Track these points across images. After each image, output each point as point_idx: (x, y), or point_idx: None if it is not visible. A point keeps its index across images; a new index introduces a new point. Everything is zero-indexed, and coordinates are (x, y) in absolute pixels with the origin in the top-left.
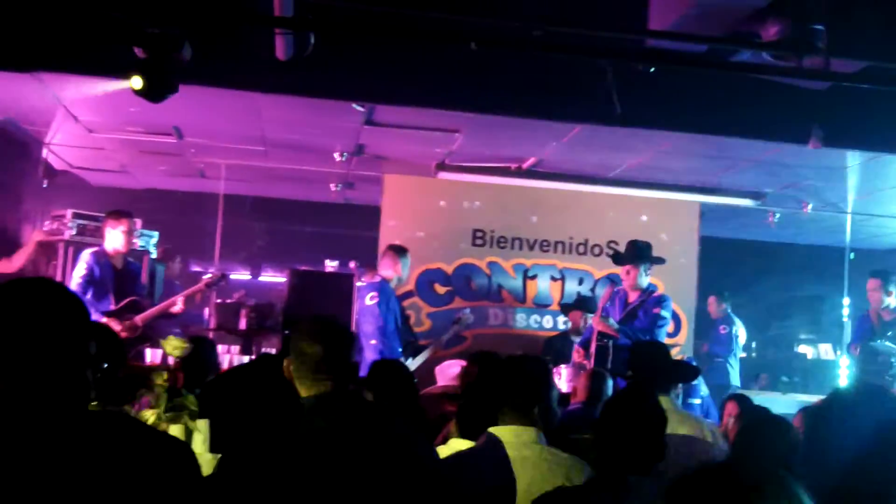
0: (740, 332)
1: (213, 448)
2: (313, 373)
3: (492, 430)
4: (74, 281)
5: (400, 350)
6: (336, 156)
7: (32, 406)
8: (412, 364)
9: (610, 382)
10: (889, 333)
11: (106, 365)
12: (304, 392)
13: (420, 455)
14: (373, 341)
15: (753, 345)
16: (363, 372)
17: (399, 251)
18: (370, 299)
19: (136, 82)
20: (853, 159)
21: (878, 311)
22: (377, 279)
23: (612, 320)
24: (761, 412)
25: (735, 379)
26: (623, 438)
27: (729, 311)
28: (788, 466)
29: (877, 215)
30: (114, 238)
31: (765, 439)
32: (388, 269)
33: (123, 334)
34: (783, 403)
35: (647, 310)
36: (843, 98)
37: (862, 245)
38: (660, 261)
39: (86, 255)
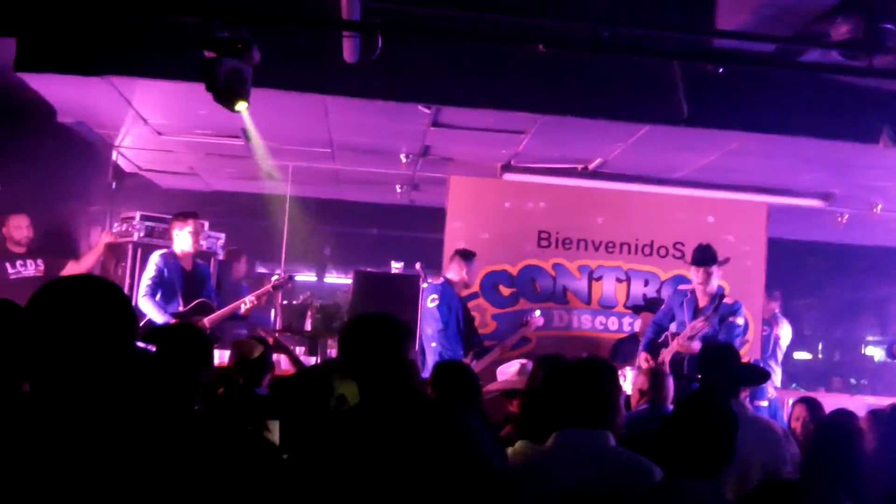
0: (783, 333)
1: (282, 448)
2: (367, 372)
3: (560, 431)
4: (144, 283)
5: (462, 352)
6: (402, 157)
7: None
8: (476, 366)
9: (671, 382)
10: None
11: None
12: (361, 392)
13: (486, 456)
14: (433, 344)
15: (820, 346)
16: (426, 374)
17: (465, 255)
18: (431, 301)
19: (241, 105)
20: None
21: None
22: (440, 281)
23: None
24: (834, 418)
25: (776, 381)
26: (693, 441)
27: (777, 311)
28: (859, 472)
29: None
30: (182, 240)
31: (838, 447)
32: (453, 273)
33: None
34: (851, 406)
35: (722, 317)
36: None
37: None
38: (726, 262)
39: (155, 258)
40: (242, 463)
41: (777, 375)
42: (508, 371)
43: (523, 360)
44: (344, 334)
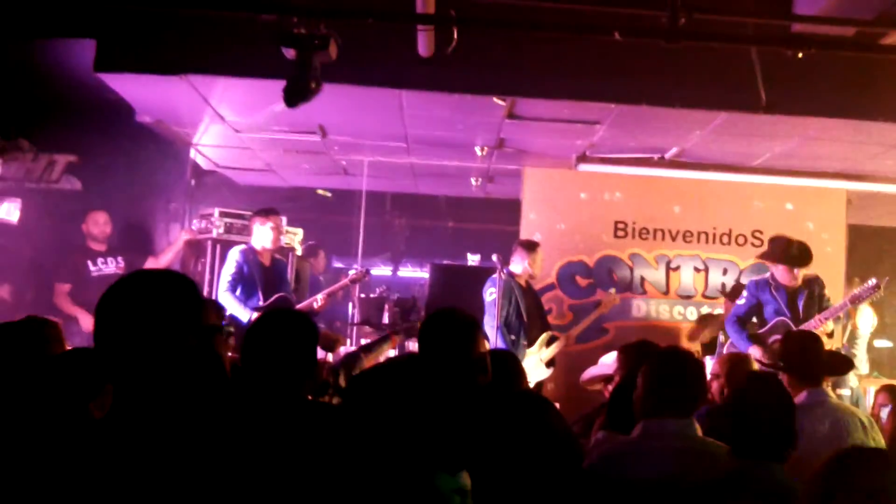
0: (861, 321)
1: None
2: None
3: (646, 420)
4: (224, 279)
5: (524, 342)
6: (477, 150)
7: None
8: (548, 353)
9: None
10: None
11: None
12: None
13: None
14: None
15: None
16: None
17: (527, 246)
18: (489, 295)
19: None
20: None
21: None
22: (495, 275)
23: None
24: None
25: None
26: (752, 424)
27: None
28: None
29: None
30: (262, 235)
31: None
32: (516, 265)
33: None
34: None
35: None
36: None
37: None
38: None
39: (235, 253)
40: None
41: (862, 363)
42: (606, 362)
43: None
44: (421, 330)
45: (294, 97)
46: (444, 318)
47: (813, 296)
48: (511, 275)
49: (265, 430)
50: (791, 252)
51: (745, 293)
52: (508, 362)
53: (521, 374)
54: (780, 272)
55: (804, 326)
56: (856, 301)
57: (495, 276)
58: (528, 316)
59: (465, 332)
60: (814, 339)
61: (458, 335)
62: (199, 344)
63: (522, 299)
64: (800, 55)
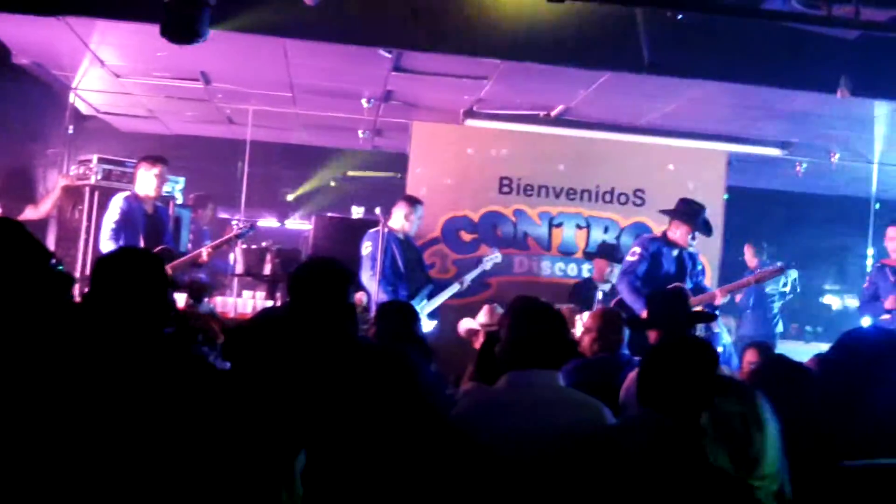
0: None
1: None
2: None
3: (510, 372)
4: (107, 227)
5: (404, 295)
6: (363, 102)
7: None
8: (430, 305)
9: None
10: None
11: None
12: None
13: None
14: (372, 288)
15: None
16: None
17: (409, 201)
18: (364, 248)
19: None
20: (881, 109)
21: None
22: (373, 229)
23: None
24: (780, 360)
25: (779, 328)
26: (670, 383)
27: (766, 261)
28: (808, 413)
29: None
30: (147, 182)
31: (780, 387)
32: (396, 219)
33: None
34: (806, 353)
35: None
36: (873, 47)
37: (887, 196)
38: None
39: (119, 200)
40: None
41: (777, 323)
42: (478, 315)
43: (493, 304)
44: (291, 279)
45: (174, 33)
46: (315, 268)
47: (694, 261)
48: (390, 229)
49: (105, 369)
50: (702, 219)
51: (636, 249)
52: (403, 312)
53: (415, 322)
54: (680, 233)
55: (709, 295)
56: (760, 280)
57: (373, 230)
58: (408, 269)
59: (334, 283)
60: (678, 296)
61: (327, 285)
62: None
63: (401, 253)
64: (680, 16)
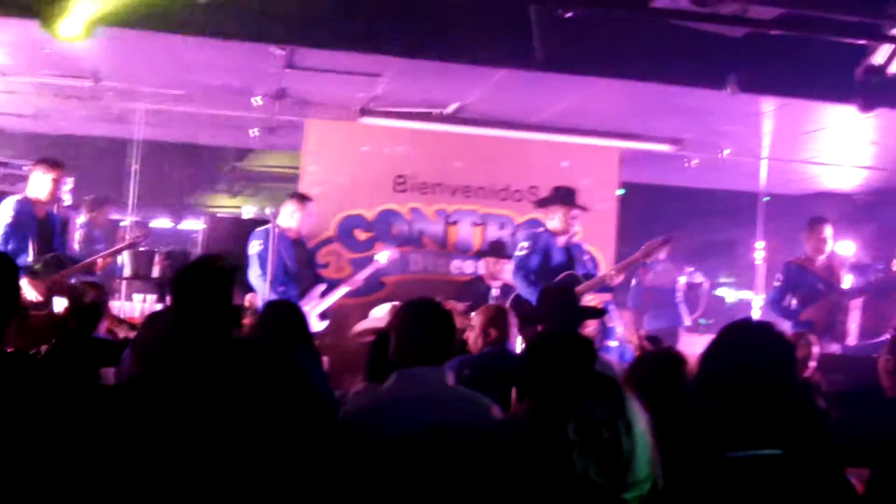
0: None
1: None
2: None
3: (399, 371)
4: None
5: (293, 294)
6: (254, 100)
7: None
8: (320, 305)
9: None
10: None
11: None
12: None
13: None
14: (259, 288)
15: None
16: None
17: (299, 198)
18: (252, 248)
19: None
20: (768, 105)
21: (814, 258)
22: (261, 227)
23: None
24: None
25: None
26: (543, 379)
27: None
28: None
29: (789, 160)
30: (41, 186)
31: (654, 374)
32: (286, 218)
33: (42, 294)
34: (699, 344)
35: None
36: (759, 44)
37: (775, 190)
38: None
39: (10, 203)
40: (69, 405)
41: (684, 317)
42: (378, 314)
43: (395, 303)
44: (173, 282)
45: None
46: (197, 270)
47: (581, 251)
48: (280, 228)
49: None
50: (572, 197)
51: (524, 244)
52: (289, 312)
53: (306, 325)
54: (559, 217)
55: (600, 276)
56: (647, 254)
57: (260, 228)
58: (298, 268)
59: (216, 284)
60: (567, 291)
61: (209, 287)
62: None
63: (290, 252)
64: (570, 13)
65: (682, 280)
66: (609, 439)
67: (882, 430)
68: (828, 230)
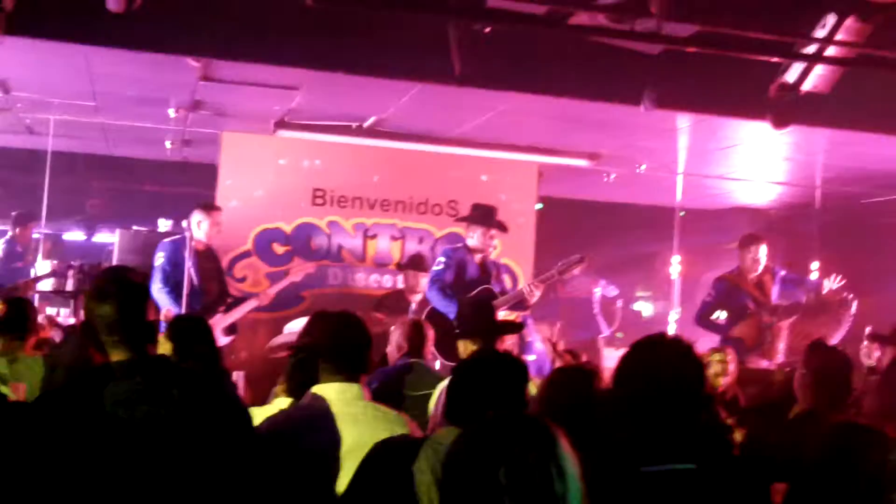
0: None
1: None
2: (108, 336)
3: (315, 388)
4: None
5: (197, 308)
6: (170, 112)
7: None
8: (226, 320)
9: (432, 335)
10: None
11: None
12: (110, 358)
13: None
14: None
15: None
16: None
17: (205, 208)
18: (157, 259)
19: None
20: (683, 121)
21: (746, 276)
22: (167, 239)
23: None
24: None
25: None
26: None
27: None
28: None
29: (704, 176)
30: None
31: (570, 389)
32: (193, 229)
33: None
34: (613, 358)
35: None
36: (675, 61)
37: (691, 205)
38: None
39: None
40: None
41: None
42: (294, 328)
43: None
44: (89, 295)
45: None
46: (112, 281)
47: (498, 268)
48: (189, 239)
49: None
50: (495, 218)
51: (441, 259)
52: (194, 327)
53: (206, 337)
54: (478, 235)
55: (517, 292)
56: (563, 272)
57: (167, 239)
58: (203, 280)
59: (131, 296)
60: (486, 304)
61: (124, 298)
62: None
63: (196, 264)
64: (488, 29)
65: (598, 292)
66: (541, 483)
67: (794, 444)
68: (761, 248)
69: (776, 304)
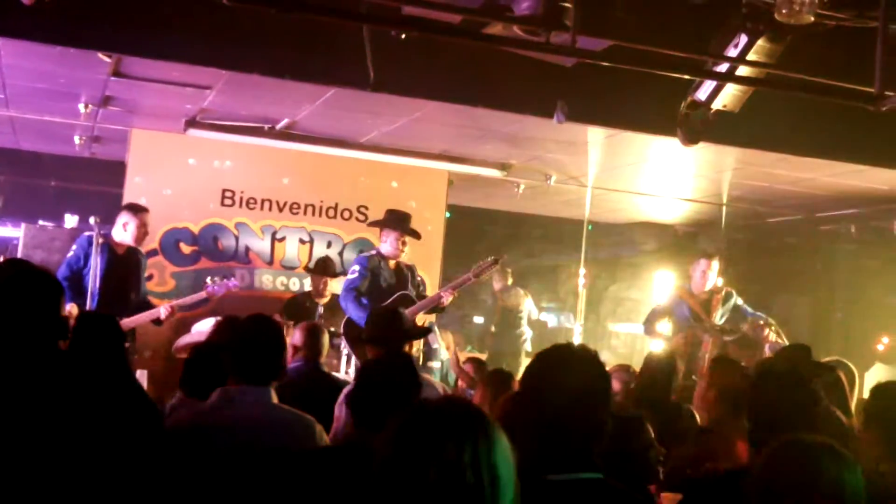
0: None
1: None
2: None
3: (223, 388)
4: None
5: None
6: (81, 107)
7: None
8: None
9: (326, 338)
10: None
11: None
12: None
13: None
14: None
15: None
16: None
17: (132, 209)
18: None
19: None
20: (594, 135)
21: (694, 291)
22: (88, 234)
23: None
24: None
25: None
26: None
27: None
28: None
29: (614, 190)
30: None
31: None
32: (118, 230)
33: None
34: (522, 366)
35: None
36: (588, 75)
37: (600, 218)
38: None
39: None
40: None
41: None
42: (202, 328)
43: (219, 318)
44: None
45: None
46: (22, 278)
47: (412, 272)
48: (105, 238)
49: None
50: (408, 225)
51: (356, 267)
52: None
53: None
54: (391, 241)
55: (433, 296)
56: (478, 274)
57: (81, 236)
58: (107, 282)
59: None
60: (395, 312)
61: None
62: None
63: (107, 265)
64: (403, 36)
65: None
66: (473, 484)
67: (694, 457)
68: (712, 264)
69: (716, 324)
